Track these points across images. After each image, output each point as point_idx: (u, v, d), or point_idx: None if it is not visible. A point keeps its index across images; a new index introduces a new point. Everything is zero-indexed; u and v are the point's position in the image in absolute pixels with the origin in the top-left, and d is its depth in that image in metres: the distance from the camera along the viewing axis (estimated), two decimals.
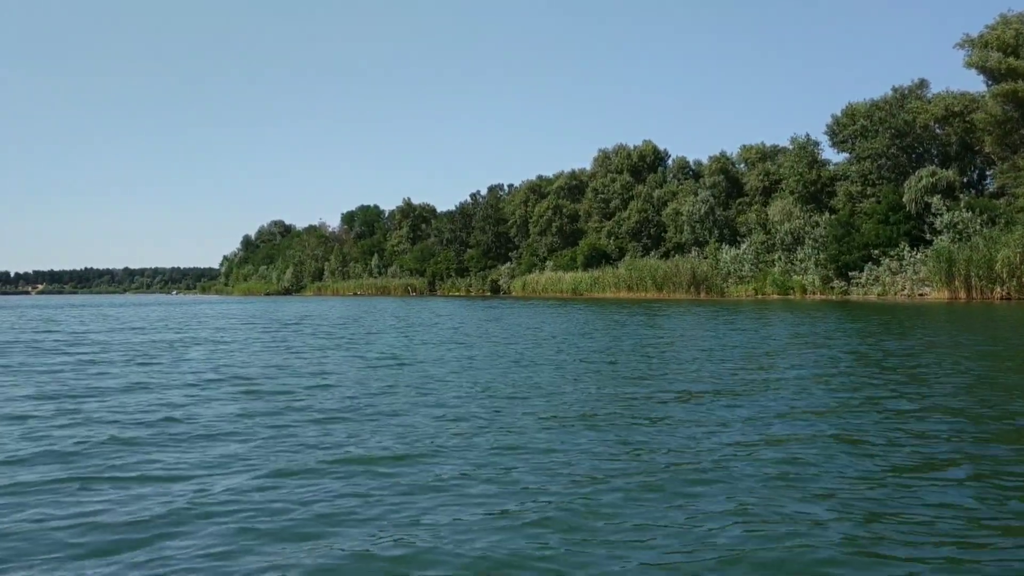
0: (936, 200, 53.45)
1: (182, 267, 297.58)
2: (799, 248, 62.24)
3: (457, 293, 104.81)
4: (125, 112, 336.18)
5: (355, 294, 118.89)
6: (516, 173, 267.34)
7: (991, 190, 57.84)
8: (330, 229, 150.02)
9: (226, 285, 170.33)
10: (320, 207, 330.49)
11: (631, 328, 26.87)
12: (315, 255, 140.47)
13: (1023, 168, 50.28)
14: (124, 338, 25.53)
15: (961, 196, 53.70)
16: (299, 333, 27.47)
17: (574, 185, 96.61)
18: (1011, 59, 50.50)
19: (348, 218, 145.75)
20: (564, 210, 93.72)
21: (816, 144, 66.48)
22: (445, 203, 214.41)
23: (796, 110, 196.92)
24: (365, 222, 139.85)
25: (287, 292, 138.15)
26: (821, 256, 59.67)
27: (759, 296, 62.54)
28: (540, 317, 34.62)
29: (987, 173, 58.46)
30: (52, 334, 27.71)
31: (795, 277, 61.51)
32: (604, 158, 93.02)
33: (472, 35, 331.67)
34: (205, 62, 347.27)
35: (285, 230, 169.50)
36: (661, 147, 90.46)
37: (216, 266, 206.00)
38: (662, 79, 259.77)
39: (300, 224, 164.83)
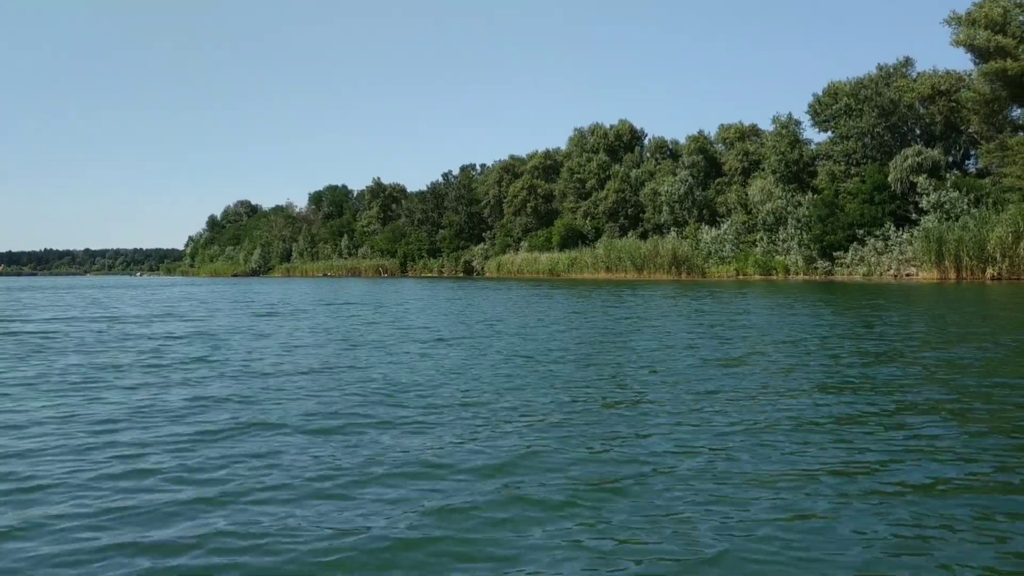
0: (922, 180, 52.92)
1: (144, 248, 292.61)
2: (781, 228, 61.55)
3: (429, 274, 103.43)
4: (85, 91, 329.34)
5: (325, 275, 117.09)
6: (488, 153, 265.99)
7: (974, 170, 57.52)
8: (297, 209, 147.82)
9: (192, 266, 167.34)
10: (287, 187, 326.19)
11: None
12: (283, 236, 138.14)
13: (1011, 147, 49.79)
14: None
15: (947, 176, 53.22)
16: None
17: (549, 165, 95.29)
18: (999, 37, 49.92)
19: (316, 198, 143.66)
20: (539, 190, 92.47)
21: (797, 123, 65.74)
22: (416, 183, 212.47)
23: (773, 89, 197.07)
24: (333, 202, 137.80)
25: (255, 273, 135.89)
26: (805, 236, 58.99)
27: (740, 277, 61.87)
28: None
29: (971, 153, 58.05)
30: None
31: (777, 258, 60.86)
32: (580, 137, 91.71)
33: (442, 14, 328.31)
34: (169, 41, 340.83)
35: (252, 210, 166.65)
36: (637, 126, 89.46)
37: (180, 247, 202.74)
38: (637, 58, 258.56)
39: (267, 204, 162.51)
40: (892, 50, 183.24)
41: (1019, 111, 52.56)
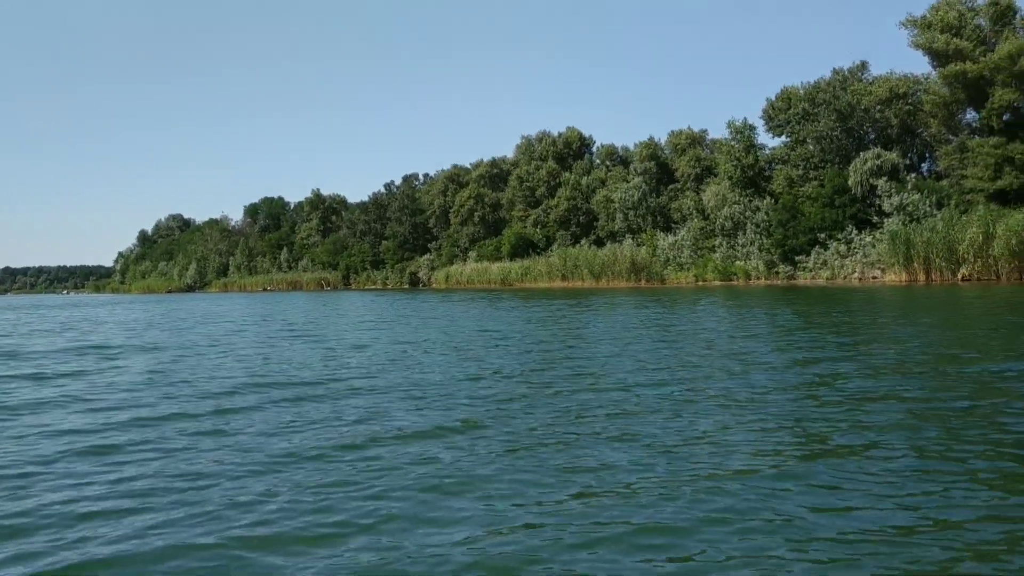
0: (882, 183, 52.85)
1: (69, 265, 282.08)
2: (740, 234, 61.07)
3: (373, 287, 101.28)
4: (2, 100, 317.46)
5: (264, 289, 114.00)
6: (431, 162, 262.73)
7: (928, 172, 57.79)
8: (233, 223, 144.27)
9: (122, 283, 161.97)
10: (221, 200, 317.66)
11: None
12: (218, 250, 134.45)
13: (971, 149, 49.97)
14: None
15: (907, 178, 53.26)
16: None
17: (495, 173, 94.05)
18: (957, 40, 50.17)
19: (252, 211, 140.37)
20: (486, 199, 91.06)
21: (752, 129, 65.38)
22: (357, 194, 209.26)
23: (720, 95, 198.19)
24: (270, 215, 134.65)
25: (190, 289, 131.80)
26: (765, 241, 58.57)
27: (700, 283, 61.19)
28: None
29: (927, 155, 58.34)
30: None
31: (738, 263, 60.34)
32: (527, 145, 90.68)
33: (379, 18, 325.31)
34: (93, 48, 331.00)
35: (184, 224, 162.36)
36: (586, 133, 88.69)
37: (108, 263, 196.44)
38: (581, 65, 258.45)
39: (200, 218, 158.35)
40: (834, 55, 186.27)
41: (974, 114, 52.84)
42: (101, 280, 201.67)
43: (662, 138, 77.84)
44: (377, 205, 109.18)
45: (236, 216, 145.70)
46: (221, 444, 8.21)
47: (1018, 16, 52.50)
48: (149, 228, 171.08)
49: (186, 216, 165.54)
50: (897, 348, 14.66)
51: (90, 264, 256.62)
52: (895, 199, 51.16)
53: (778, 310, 27.24)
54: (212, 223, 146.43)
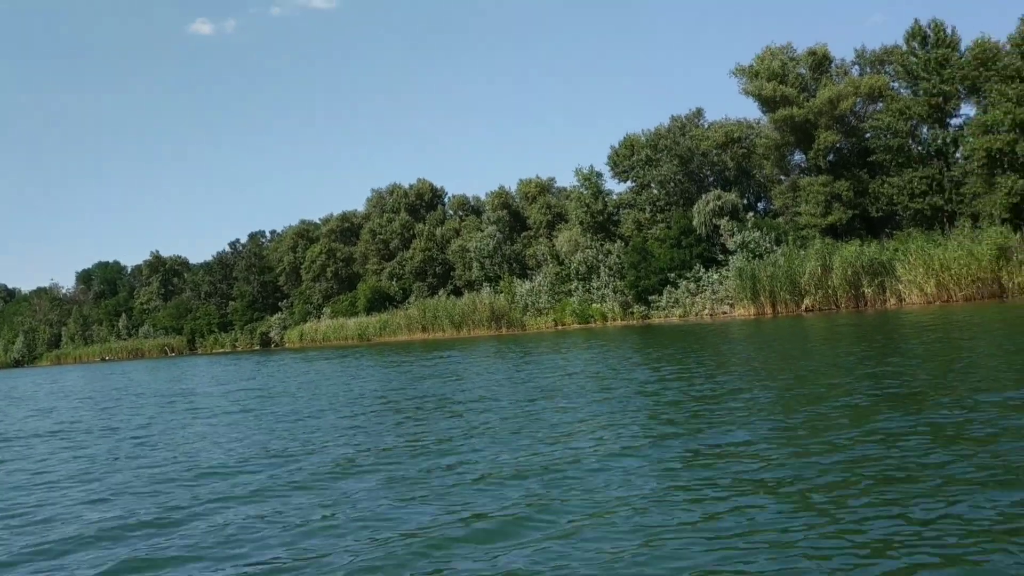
0: (724, 222, 55.77)
1: None
2: (595, 277, 62.85)
3: (222, 350, 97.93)
4: None
5: (103, 359, 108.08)
6: (278, 219, 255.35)
7: (765, 211, 61.45)
8: (64, 290, 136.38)
9: None
10: (50, 267, 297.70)
11: None
12: (49, 320, 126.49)
13: (802, 188, 53.61)
14: None
15: (747, 217, 56.40)
16: None
17: (347, 228, 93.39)
18: (783, 87, 53.96)
19: (84, 277, 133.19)
20: (338, 254, 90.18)
21: (599, 175, 67.74)
22: (200, 254, 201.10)
23: (564, 144, 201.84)
24: (105, 280, 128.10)
25: (18, 364, 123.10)
26: (619, 283, 60.48)
27: (559, 327, 62.43)
28: None
29: (761, 195, 62.07)
30: None
31: (594, 305, 61.97)
32: (378, 198, 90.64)
33: (218, 72, 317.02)
34: None
35: (9, 295, 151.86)
36: (437, 185, 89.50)
37: None
38: (428, 116, 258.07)
39: (26, 287, 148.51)
40: (671, 103, 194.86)
41: (802, 155, 56.78)
42: None
43: (512, 187, 79.65)
44: (222, 265, 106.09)
45: (68, 283, 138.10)
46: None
47: (833, 65, 57.31)
48: None
49: (10, 286, 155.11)
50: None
51: None
52: (737, 237, 54.01)
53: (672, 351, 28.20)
54: (41, 292, 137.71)
